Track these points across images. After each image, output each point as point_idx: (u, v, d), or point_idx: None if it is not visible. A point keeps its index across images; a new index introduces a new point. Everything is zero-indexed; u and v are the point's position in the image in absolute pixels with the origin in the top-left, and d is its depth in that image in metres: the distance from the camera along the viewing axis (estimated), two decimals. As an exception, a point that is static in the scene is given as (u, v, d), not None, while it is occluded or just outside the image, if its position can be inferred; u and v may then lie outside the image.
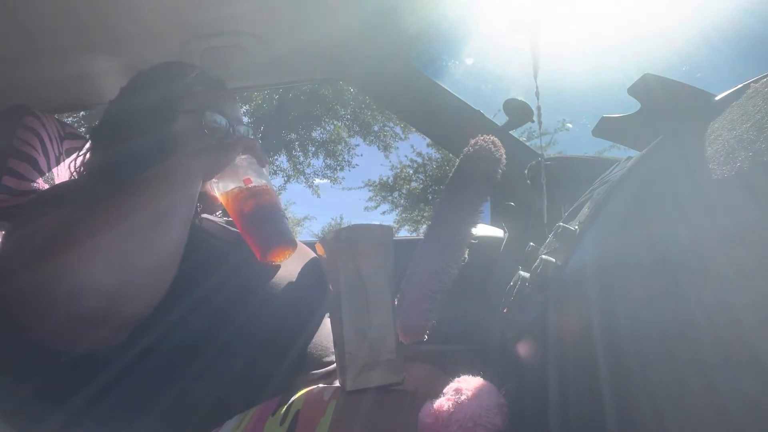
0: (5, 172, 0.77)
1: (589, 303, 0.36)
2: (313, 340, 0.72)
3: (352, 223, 0.70)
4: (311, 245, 0.84)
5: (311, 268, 0.78)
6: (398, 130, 8.43)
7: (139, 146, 0.71)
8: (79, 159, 0.80)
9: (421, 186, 8.87)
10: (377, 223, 0.64)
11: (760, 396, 0.21)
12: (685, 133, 0.35)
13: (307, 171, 8.93)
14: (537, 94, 0.62)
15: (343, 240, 0.61)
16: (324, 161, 8.93)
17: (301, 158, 8.87)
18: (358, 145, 8.90)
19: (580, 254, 0.41)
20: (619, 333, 0.32)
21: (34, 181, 0.81)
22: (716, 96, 0.36)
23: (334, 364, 0.69)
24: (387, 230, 0.63)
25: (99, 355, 0.56)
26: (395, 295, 0.60)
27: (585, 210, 0.46)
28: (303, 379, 0.66)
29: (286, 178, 8.82)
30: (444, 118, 1.13)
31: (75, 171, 0.78)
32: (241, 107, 0.86)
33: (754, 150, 0.25)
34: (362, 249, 0.60)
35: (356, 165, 8.94)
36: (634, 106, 0.45)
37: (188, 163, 0.62)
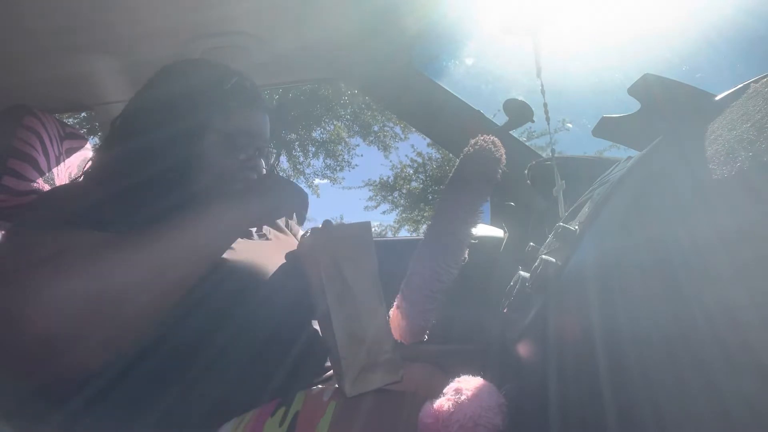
0: (5, 172, 0.77)
1: (589, 303, 0.36)
2: (313, 343, 0.72)
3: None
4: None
5: None
6: (398, 130, 8.44)
7: (159, 162, 0.65)
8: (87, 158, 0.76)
9: (421, 186, 8.87)
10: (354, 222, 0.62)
11: (761, 396, 0.21)
12: (685, 133, 0.35)
13: (307, 171, 8.94)
14: (542, 92, 0.62)
15: (320, 243, 0.59)
16: (324, 161, 8.94)
17: (301, 158, 8.88)
18: (358, 145, 8.91)
19: (580, 254, 0.41)
20: (619, 333, 0.32)
21: (34, 181, 0.81)
22: (716, 96, 0.36)
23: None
24: (365, 227, 0.60)
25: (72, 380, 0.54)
26: (382, 293, 0.59)
27: (585, 210, 0.46)
28: (302, 382, 0.66)
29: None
30: (444, 119, 1.13)
31: (82, 170, 0.75)
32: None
33: (754, 150, 0.25)
34: (342, 250, 0.58)
35: (356, 165, 8.95)
36: (634, 106, 0.45)
37: (232, 216, 0.59)
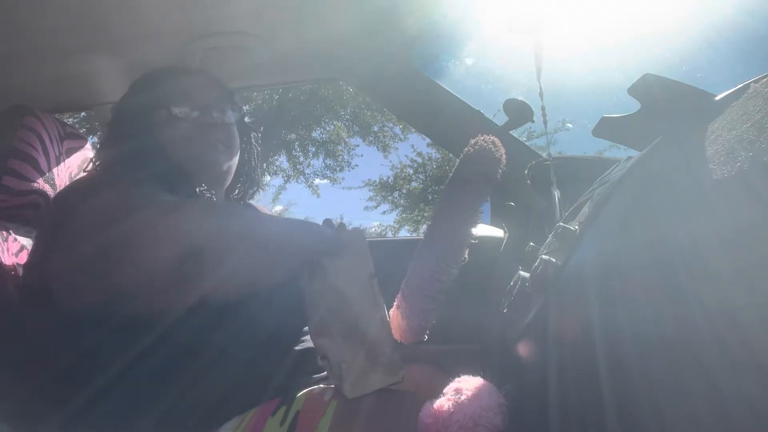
0: (5, 172, 0.77)
1: (589, 303, 0.36)
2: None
3: (353, 223, 0.69)
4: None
5: None
6: (398, 130, 8.43)
7: (136, 147, 0.72)
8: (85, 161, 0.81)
9: (421, 186, 8.86)
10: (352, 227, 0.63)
11: (761, 396, 0.21)
12: (685, 133, 0.35)
13: (307, 171, 8.92)
14: (540, 94, 0.62)
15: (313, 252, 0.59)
16: (324, 161, 8.92)
17: (301, 158, 8.86)
18: (358, 145, 8.88)
19: (580, 254, 0.41)
20: (619, 333, 0.32)
21: (35, 181, 0.80)
22: (716, 96, 0.36)
23: None
24: (358, 234, 0.61)
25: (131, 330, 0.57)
26: (379, 296, 0.59)
27: (585, 210, 0.46)
28: (303, 381, 0.66)
29: (286, 179, 8.82)
30: (444, 118, 1.13)
31: (87, 167, 0.80)
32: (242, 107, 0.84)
33: (755, 150, 0.25)
34: (335, 258, 0.59)
35: (356, 165, 8.93)
36: (634, 106, 0.45)
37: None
